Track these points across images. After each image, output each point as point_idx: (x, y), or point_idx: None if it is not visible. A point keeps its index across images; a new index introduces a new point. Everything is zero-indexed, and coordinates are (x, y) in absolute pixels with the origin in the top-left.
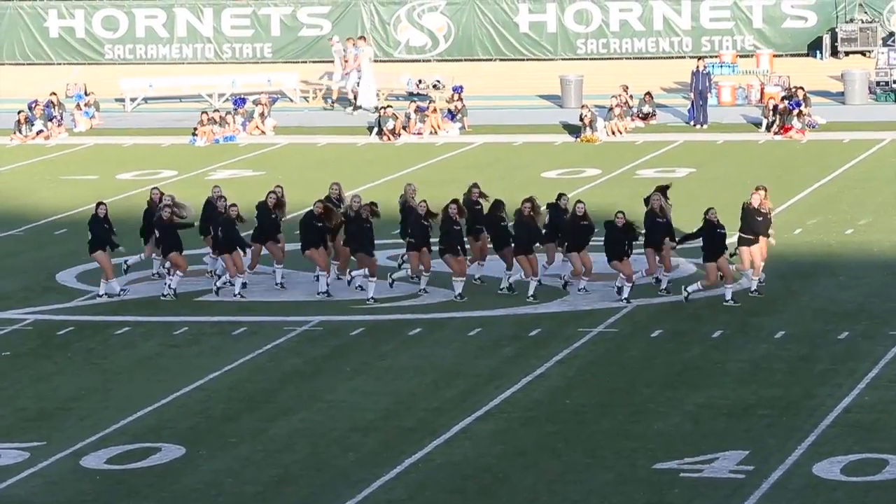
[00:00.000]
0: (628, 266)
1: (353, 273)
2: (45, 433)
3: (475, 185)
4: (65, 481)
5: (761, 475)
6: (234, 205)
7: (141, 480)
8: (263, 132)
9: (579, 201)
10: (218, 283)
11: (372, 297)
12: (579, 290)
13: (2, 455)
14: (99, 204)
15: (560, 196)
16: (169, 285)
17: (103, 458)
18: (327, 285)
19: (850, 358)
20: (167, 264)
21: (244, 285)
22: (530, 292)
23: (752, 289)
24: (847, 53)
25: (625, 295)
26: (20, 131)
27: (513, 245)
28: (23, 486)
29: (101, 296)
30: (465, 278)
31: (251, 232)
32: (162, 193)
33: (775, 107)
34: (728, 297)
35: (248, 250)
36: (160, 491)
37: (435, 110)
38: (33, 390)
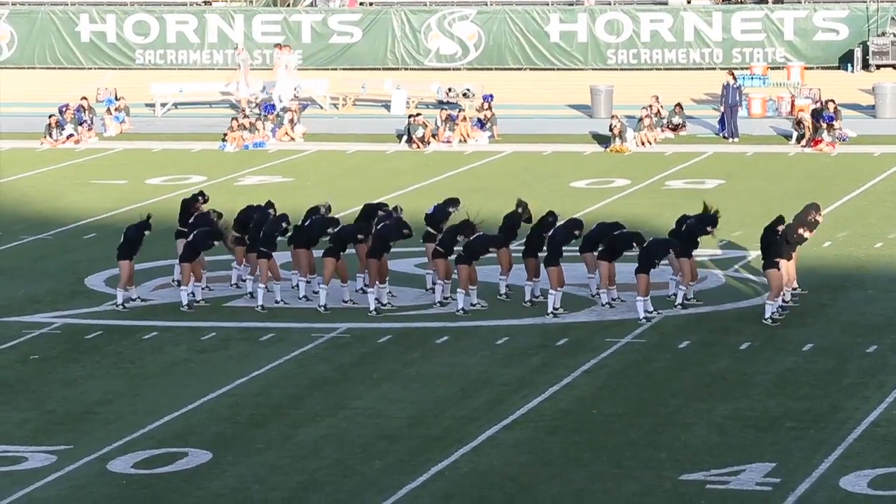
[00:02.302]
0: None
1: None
2: (72, 437)
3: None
4: (91, 485)
5: (788, 488)
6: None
7: (167, 485)
8: (293, 138)
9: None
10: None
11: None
12: (613, 300)
13: (29, 458)
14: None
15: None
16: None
17: (130, 463)
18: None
19: (878, 371)
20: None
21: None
22: (551, 307)
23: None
24: (878, 67)
25: (642, 315)
26: (50, 135)
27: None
28: (50, 490)
29: (118, 305)
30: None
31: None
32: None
33: (799, 121)
34: (767, 314)
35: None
36: (186, 496)
37: (465, 119)
38: (61, 394)
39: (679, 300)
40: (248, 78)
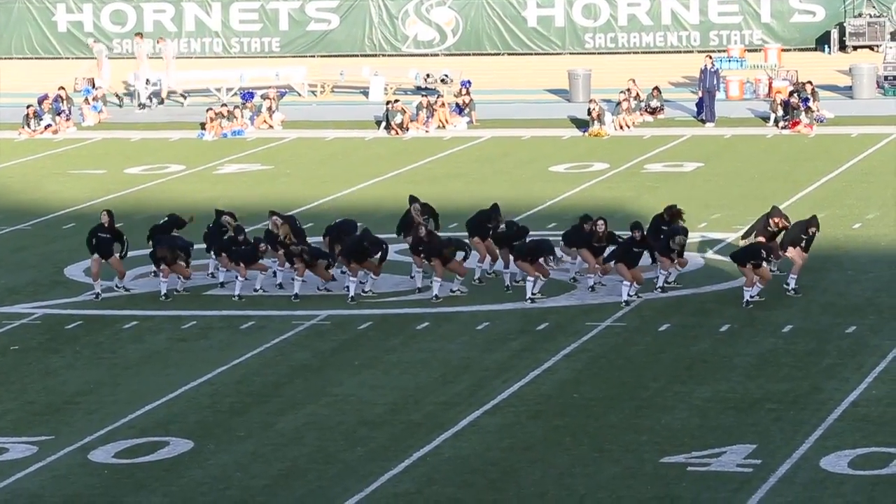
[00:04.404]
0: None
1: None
2: (53, 427)
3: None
4: (73, 475)
5: (769, 469)
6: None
7: (149, 474)
8: (271, 126)
9: (602, 220)
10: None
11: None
12: (593, 285)
13: (10, 449)
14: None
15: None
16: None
17: (111, 452)
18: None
19: (857, 352)
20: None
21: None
22: (529, 293)
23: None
24: (855, 48)
25: (624, 298)
26: (28, 125)
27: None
28: (31, 480)
29: (97, 296)
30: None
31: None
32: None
33: (784, 101)
34: (747, 297)
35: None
36: (168, 485)
37: (443, 104)
38: (41, 384)
39: (659, 283)
40: (106, 69)
